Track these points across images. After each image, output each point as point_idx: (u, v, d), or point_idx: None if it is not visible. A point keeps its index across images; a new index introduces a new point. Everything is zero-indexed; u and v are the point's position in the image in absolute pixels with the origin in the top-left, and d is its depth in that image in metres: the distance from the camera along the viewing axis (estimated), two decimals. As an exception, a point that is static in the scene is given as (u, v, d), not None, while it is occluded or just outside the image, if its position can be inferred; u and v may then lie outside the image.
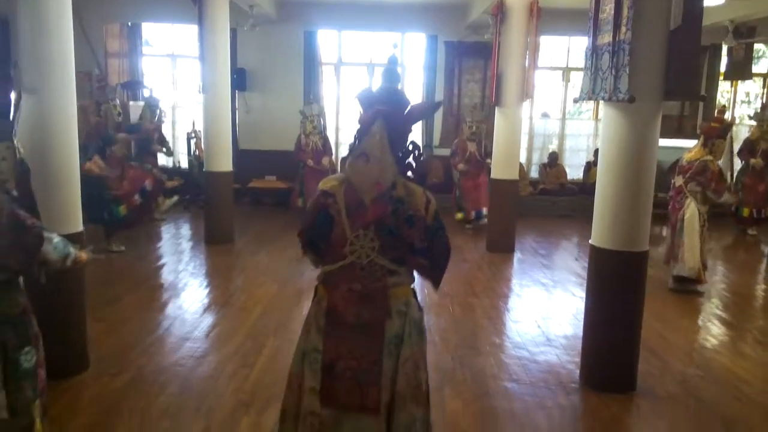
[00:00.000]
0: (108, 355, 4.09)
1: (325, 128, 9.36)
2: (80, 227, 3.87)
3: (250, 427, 3.27)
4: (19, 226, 2.44)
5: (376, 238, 2.25)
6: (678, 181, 6.01)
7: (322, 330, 2.32)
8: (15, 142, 2.67)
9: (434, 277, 2.43)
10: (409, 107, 2.36)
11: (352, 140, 2.37)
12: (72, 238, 3.69)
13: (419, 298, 2.47)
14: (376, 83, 2.38)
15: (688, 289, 6.00)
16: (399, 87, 2.45)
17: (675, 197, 6.03)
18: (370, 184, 2.27)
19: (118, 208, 6.81)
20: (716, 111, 6.28)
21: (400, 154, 2.32)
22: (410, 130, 2.38)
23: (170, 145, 9.65)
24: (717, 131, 5.84)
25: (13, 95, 2.71)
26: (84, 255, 2.73)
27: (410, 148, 2.36)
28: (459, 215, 9.19)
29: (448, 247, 2.40)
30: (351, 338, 2.28)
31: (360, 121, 2.37)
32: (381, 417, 2.30)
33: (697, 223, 5.83)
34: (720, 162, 6.06)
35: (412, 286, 2.40)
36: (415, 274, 2.44)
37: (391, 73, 2.43)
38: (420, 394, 2.34)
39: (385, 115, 2.28)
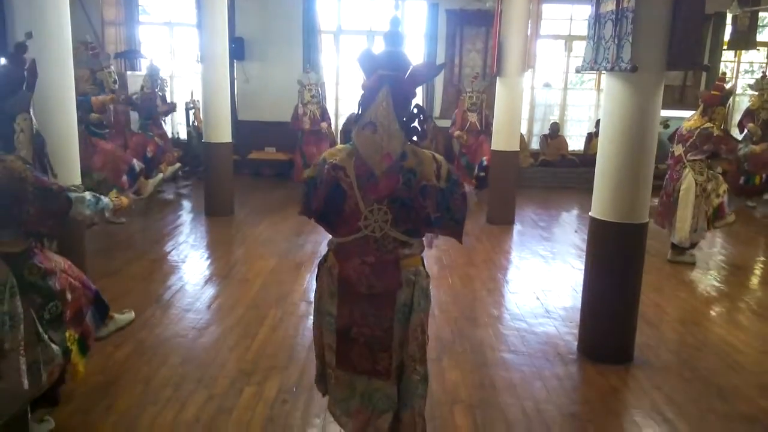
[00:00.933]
0: (110, 327, 4.11)
1: (323, 98, 9.29)
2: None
3: (251, 397, 3.31)
4: (46, 193, 2.51)
5: (389, 210, 2.25)
6: (677, 150, 5.98)
7: (335, 296, 2.37)
8: (31, 113, 2.68)
9: (456, 232, 2.39)
10: (410, 70, 2.28)
11: (356, 109, 2.31)
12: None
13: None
14: (379, 46, 2.29)
15: (684, 259, 6.03)
16: (402, 50, 2.30)
17: (673, 167, 6.02)
18: (379, 156, 2.23)
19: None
20: (716, 79, 6.19)
21: (405, 119, 2.26)
22: (414, 95, 2.32)
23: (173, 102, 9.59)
24: (717, 99, 5.80)
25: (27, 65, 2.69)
26: (125, 199, 2.85)
27: (415, 111, 2.30)
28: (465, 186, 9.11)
29: (464, 198, 2.37)
30: (363, 306, 2.33)
31: (363, 88, 2.29)
32: (392, 380, 2.40)
33: (692, 194, 5.82)
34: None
35: (421, 255, 2.43)
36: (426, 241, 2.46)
37: (394, 35, 2.29)
38: (423, 354, 2.45)
39: (391, 80, 2.22)
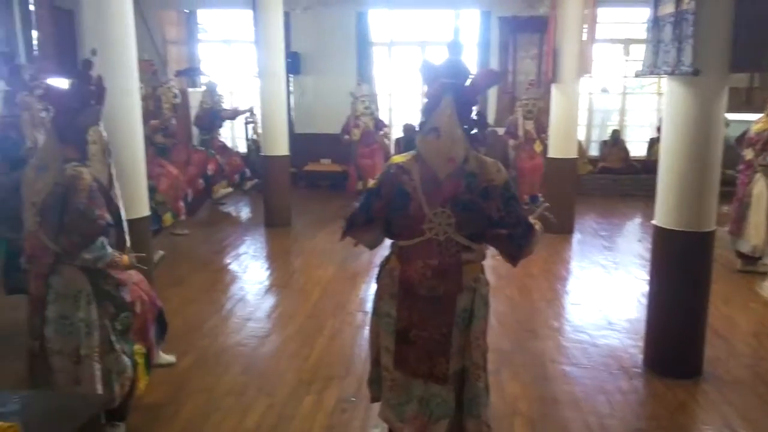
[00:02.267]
0: (174, 336, 4.22)
1: (376, 109, 9.37)
2: (147, 211, 4.03)
3: (311, 405, 3.36)
4: (87, 213, 2.59)
5: (453, 214, 2.28)
6: (748, 154, 5.73)
7: (396, 297, 2.40)
8: (101, 126, 2.82)
9: (512, 250, 2.41)
10: (471, 78, 2.36)
11: (415, 118, 2.41)
12: (139, 223, 3.89)
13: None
14: (438, 56, 2.38)
15: (756, 269, 5.75)
16: (462, 58, 2.41)
17: (744, 171, 5.77)
18: (443, 160, 2.28)
19: (163, 216, 6.85)
20: None
21: (467, 126, 2.32)
22: (477, 102, 2.38)
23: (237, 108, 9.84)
24: None
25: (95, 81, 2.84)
26: (125, 258, 2.83)
27: (476, 119, 2.36)
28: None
29: (523, 220, 2.38)
30: (423, 309, 2.35)
31: (427, 96, 2.38)
32: (450, 386, 2.41)
33: (764, 200, 5.56)
34: None
35: (482, 263, 2.46)
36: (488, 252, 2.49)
37: (456, 44, 2.38)
38: (485, 360, 2.46)
39: (453, 88, 2.29)
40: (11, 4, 7.93)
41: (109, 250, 2.72)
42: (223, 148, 9.03)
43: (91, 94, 2.79)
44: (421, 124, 2.37)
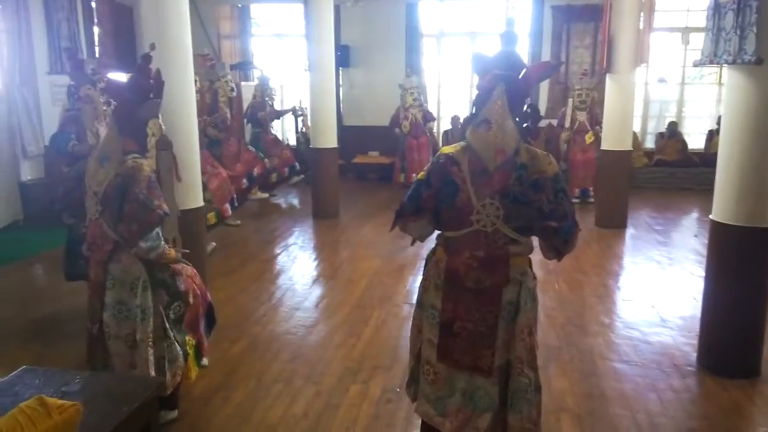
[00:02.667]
0: (227, 323, 4.38)
1: (425, 101, 9.35)
2: (201, 202, 4.16)
3: (357, 394, 3.40)
4: (147, 202, 2.68)
5: (501, 206, 2.24)
6: None
7: (441, 289, 2.37)
8: (159, 119, 2.93)
9: (558, 244, 2.32)
10: (525, 70, 2.32)
11: (471, 108, 2.38)
12: (193, 213, 4.01)
13: None
14: (491, 48, 2.34)
15: None
16: (515, 50, 2.36)
17: None
18: (493, 151, 2.25)
19: (207, 215, 7.01)
20: None
21: (519, 119, 2.29)
22: (529, 94, 2.35)
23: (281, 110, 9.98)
24: None
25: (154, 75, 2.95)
26: (173, 252, 2.92)
27: (529, 111, 2.33)
28: (566, 189, 8.95)
29: (570, 214, 2.29)
30: (468, 301, 2.32)
31: (479, 87, 2.34)
32: (494, 379, 2.37)
33: None
34: None
35: (529, 256, 2.42)
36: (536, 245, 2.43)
37: (510, 35, 2.33)
38: (533, 359, 2.40)
39: (505, 80, 2.26)
40: (74, 1, 8.28)
41: (162, 242, 2.81)
42: (275, 141, 9.19)
43: (150, 88, 2.88)
44: (472, 116, 2.34)
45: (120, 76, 4.51)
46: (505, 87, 2.25)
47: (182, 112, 3.99)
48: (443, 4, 10.90)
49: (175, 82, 3.88)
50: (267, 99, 9.14)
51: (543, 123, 10.48)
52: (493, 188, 2.24)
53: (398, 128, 9.12)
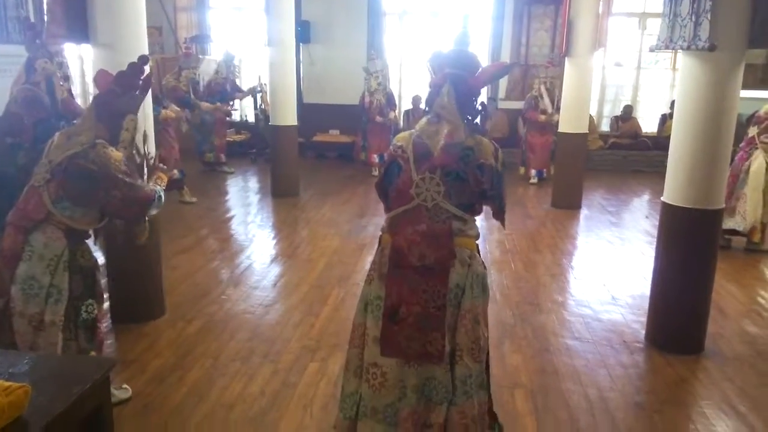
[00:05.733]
0: (183, 302, 4.32)
1: (388, 82, 9.30)
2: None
3: (315, 373, 3.41)
4: (136, 187, 2.67)
5: (442, 183, 2.26)
6: (751, 131, 5.70)
7: (385, 276, 2.33)
8: (138, 116, 2.85)
9: (499, 211, 2.43)
10: (479, 70, 2.38)
11: (424, 105, 2.45)
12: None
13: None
14: (447, 46, 2.42)
15: (763, 248, 5.73)
16: (469, 50, 2.42)
17: (744, 147, 5.75)
18: (438, 137, 2.31)
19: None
20: None
21: (469, 117, 2.35)
22: (479, 93, 2.40)
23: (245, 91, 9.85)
24: None
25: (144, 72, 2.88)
26: (164, 176, 3.01)
27: (479, 109, 2.39)
28: (522, 170, 9.11)
29: (503, 198, 2.43)
30: (415, 282, 2.26)
31: (430, 85, 2.41)
32: (445, 366, 2.28)
33: (762, 177, 5.52)
34: None
35: (476, 241, 2.40)
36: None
37: (463, 36, 2.41)
38: (477, 350, 2.31)
39: (454, 78, 2.32)
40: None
41: (161, 191, 2.84)
42: (223, 122, 9.08)
43: (136, 85, 2.82)
44: (425, 112, 2.42)
45: (70, 47, 4.33)
46: (454, 85, 2.32)
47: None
48: (406, -18, 10.81)
49: (127, 55, 3.73)
50: (230, 76, 9.00)
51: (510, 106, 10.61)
52: (433, 164, 2.28)
53: (380, 117, 8.98)
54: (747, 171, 5.61)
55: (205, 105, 8.27)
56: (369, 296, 2.39)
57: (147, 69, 2.92)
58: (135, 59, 3.75)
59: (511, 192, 8.23)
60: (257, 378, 3.35)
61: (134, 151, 2.91)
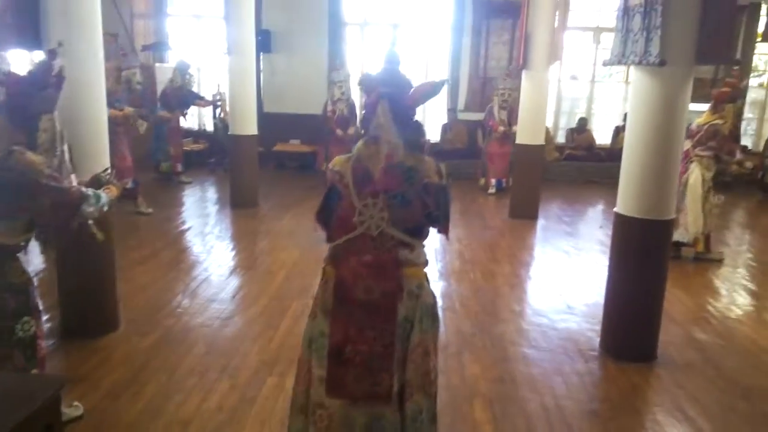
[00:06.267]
0: (137, 316, 4.22)
1: (351, 92, 9.30)
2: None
3: (274, 387, 3.37)
4: (59, 188, 2.53)
5: (386, 208, 2.15)
6: (686, 145, 5.93)
7: (329, 312, 2.20)
8: (55, 115, 2.74)
9: (444, 228, 2.32)
10: (412, 89, 2.31)
11: (360, 126, 2.40)
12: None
13: (439, 266, 2.47)
14: (378, 66, 2.37)
15: (711, 257, 5.94)
16: (399, 68, 2.35)
17: (683, 161, 5.96)
18: (378, 158, 2.20)
19: None
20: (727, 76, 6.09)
21: (407, 137, 2.25)
22: (414, 112, 2.31)
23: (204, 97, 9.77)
24: (727, 96, 5.73)
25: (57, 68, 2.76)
26: (114, 189, 2.84)
27: (415, 127, 2.30)
28: (482, 180, 9.23)
29: (446, 226, 2.32)
30: (361, 319, 2.13)
31: (364, 106, 2.32)
32: (394, 405, 2.18)
33: (700, 189, 5.75)
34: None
35: (425, 269, 2.30)
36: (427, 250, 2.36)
37: (392, 55, 2.35)
38: (428, 383, 2.22)
39: (388, 97, 2.23)
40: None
41: (103, 194, 2.70)
42: (177, 131, 8.95)
43: (48, 83, 2.70)
44: (362, 134, 2.32)
45: (21, 55, 4.20)
46: (389, 104, 2.22)
47: (90, 95, 3.76)
48: (366, -6, 10.88)
49: (82, 63, 3.66)
50: (185, 84, 8.88)
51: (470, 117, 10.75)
52: (376, 188, 2.17)
53: (341, 130, 8.89)
54: (686, 184, 5.81)
55: (163, 114, 8.14)
56: (313, 332, 2.27)
57: (58, 64, 2.76)
58: (90, 66, 3.70)
59: (470, 202, 8.35)
60: (214, 393, 3.29)
61: (57, 152, 2.78)
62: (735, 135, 6.14)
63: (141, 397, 3.22)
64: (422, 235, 2.28)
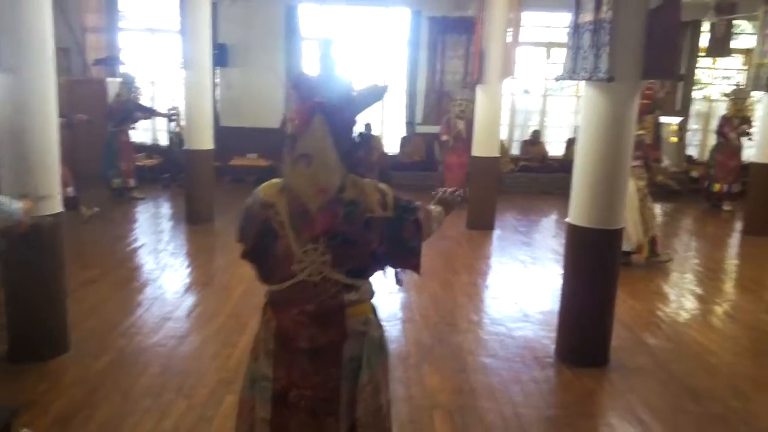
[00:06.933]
0: (88, 337, 4.10)
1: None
2: (59, 208, 3.83)
3: (232, 406, 3.29)
4: None
5: (328, 251, 1.92)
6: None
7: (272, 354, 2.02)
8: None
9: (412, 263, 2.07)
10: (353, 94, 2.03)
11: (287, 142, 1.97)
12: (50, 220, 3.70)
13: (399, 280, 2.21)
14: (315, 70, 2.02)
15: (661, 259, 6.15)
16: (336, 74, 2.02)
17: None
18: (314, 190, 1.92)
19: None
20: (645, 88, 6.32)
21: (347, 150, 1.97)
22: (355, 122, 2.05)
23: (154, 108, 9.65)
24: (646, 108, 5.98)
25: None
26: (30, 202, 2.75)
27: (358, 140, 2.03)
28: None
29: (418, 225, 2.05)
30: (304, 364, 1.98)
31: (296, 115, 1.99)
32: None
33: (635, 198, 5.95)
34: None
35: (371, 302, 2.11)
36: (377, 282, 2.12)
37: (326, 58, 2.06)
38: (380, 419, 2.10)
39: (325, 108, 1.93)
40: None
41: (14, 204, 2.59)
42: (129, 145, 8.80)
43: None
44: (290, 150, 1.96)
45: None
46: (326, 116, 1.93)
47: (39, 110, 3.66)
48: (324, 9, 10.92)
49: (32, 78, 3.57)
50: (132, 98, 8.73)
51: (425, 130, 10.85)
52: (315, 231, 1.92)
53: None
54: None
55: (80, 117, 7.65)
56: (255, 374, 2.08)
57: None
58: (42, 84, 3.60)
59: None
60: (171, 414, 3.21)
61: None
62: (657, 143, 6.48)
63: (93, 421, 3.12)
64: (369, 275, 2.05)
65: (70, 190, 6.56)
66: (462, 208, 2.32)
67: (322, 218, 1.92)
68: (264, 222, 1.98)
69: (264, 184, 2.07)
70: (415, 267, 2.07)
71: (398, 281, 2.11)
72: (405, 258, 2.05)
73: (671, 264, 6.26)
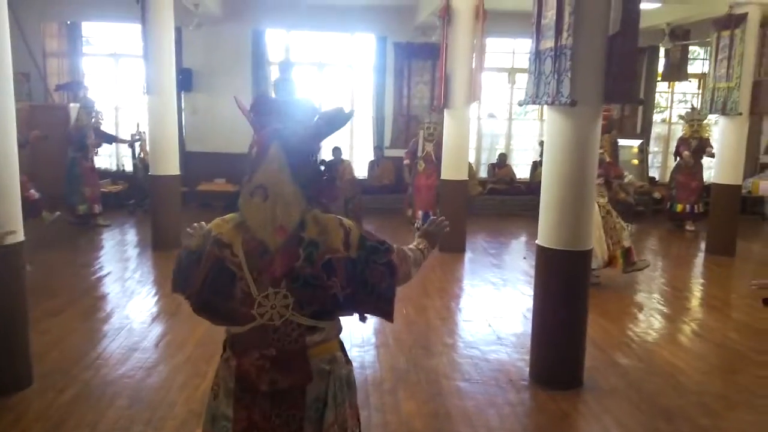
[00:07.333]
0: (53, 370, 3.95)
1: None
2: (21, 237, 3.71)
3: (203, 438, 3.22)
4: None
5: (290, 294, 1.80)
6: None
7: (232, 395, 1.91)
8: None
9: (382, 310, 1.92)
10: (315, 119, 1.90)
11: (247, 167, 1.84)
12: (11, 250, 3.59)
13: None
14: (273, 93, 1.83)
15: (638, 266, 6.26)
16: (296, 98, 1.93)
17: None
18: (272, 228, 1.79)
19: None
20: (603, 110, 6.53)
21: (308, 180, 1.84)
22: (317, 150, 1.93)
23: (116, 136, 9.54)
24: (604, 128, 6.16)
25: None
26: None
27: (319, 169, 1.90)
28: (410, 211, 9.34)
29: (391, 268, 1.91)
30: (266, 406, 1.87)
31: (253, 145, 1.86)
32: None
33: (598, 216, 6.08)
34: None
35: (339, 338, 1.99)
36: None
37: (285, 82, 1.93)
38: None
39: (283, 135, 1.81)
40: None
41: None
42: (92, 170, 8.64)
43: None
44: (247, 181, 1.84)
45: None
46: (283, 144, 1.79)
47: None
48: (290, 34, 10.97)
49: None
50: (93, 123, 8.59)
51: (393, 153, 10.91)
52: (275, 274, 1.79)
53: None
54: None
55: (36, 134, 7.38)
56: (215, 412, 1.96)
57: None
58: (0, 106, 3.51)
59: (399, 235, 8.41)
60: (139, 448, 3.11)
61: None
62: (616, 161, 6.78)
63: (57, 459, 3.00)
64: (336, 316, 1.92)
65: (33, 192, 6.41)
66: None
67: (281, 260, 1.79)
68: (216, 262, 1.82)
69: (215, 221, 1.94)
70: (386, 314, 1.92)
71: (362, 318, 1.96)
72: (374, 303, 1.91)
73: (639, 284, 6.37)
